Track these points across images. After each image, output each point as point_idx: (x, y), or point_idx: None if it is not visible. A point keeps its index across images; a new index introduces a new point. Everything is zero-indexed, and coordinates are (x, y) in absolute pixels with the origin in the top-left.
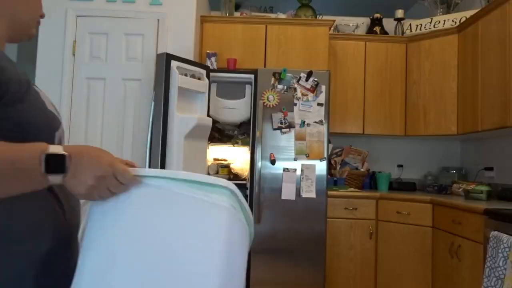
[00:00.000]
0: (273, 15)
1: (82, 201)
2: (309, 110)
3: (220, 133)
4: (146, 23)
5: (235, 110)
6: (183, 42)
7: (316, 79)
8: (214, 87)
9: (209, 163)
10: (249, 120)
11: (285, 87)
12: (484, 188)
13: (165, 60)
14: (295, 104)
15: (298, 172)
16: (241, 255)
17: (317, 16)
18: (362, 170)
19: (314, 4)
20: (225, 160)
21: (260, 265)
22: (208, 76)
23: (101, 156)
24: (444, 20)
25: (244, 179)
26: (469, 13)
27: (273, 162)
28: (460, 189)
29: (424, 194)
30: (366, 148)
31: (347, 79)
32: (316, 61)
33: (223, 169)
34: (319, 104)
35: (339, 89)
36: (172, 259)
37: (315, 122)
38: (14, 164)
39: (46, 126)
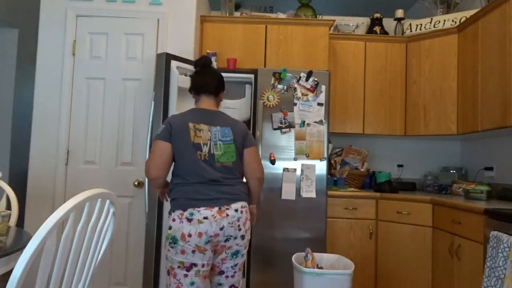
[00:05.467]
0: (273, 15)
1: None
2: (309, 110)
3: None
4: (146, 23)
5: (235, 110)
6: (183, 42)
7: (316, 79)
8: None
9: None
10: (249, 120)
11: (285, 87)
12: (484, 188)
13: (165, 60)
14: (295, 104)
15: (298, 172)
16: None
17: (317, 16)
18: (362, 170)
19: (314, 4)
20: None
21: (259, 266)
22: None
23: None
24: (444, 20)
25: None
26: (469, 13)
27: (273, 162)
28: (460, 189)
29: (424, 194)
30: (366, 148)
31: (347, 79)
32: (316, 61)
33: None
34: (319, 104)
35: (339, 89)
36: None
37: (315, 122)
38: None
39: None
